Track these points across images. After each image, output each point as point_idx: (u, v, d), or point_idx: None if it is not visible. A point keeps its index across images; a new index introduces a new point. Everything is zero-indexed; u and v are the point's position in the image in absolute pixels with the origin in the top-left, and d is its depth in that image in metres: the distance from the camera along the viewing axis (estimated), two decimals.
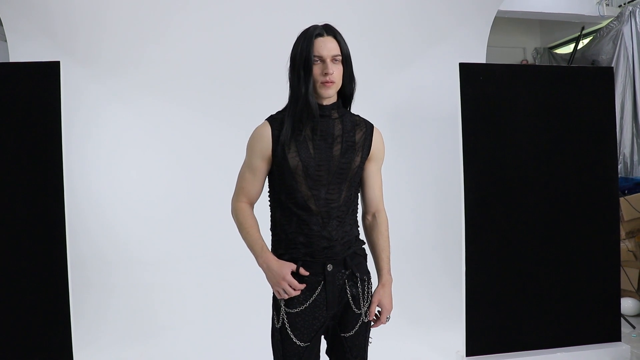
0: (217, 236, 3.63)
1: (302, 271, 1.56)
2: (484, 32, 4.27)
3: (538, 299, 3.00)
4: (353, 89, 1.64)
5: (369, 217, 1.73)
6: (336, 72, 1.55)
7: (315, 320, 1.59)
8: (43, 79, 2.59)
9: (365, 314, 1.65)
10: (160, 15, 3.68)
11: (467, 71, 2.92)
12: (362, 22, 3.96)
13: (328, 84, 1.54)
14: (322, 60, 1.54)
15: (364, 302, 1.64)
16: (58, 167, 2.58)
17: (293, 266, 1.55)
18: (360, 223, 1.74)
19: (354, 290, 1.62)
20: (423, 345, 3.30)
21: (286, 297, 1.56)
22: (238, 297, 3.48)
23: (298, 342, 1.58)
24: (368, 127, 1.67)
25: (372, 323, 1.69)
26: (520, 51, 6.06)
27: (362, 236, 1.73)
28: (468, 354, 2.91)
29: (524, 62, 5.87)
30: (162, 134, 3.81)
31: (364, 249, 1.71)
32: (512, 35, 5.85)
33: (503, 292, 2.97)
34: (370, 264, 1.71)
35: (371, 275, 1.70)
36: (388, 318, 1.67)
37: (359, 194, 1.72)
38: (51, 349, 2.58)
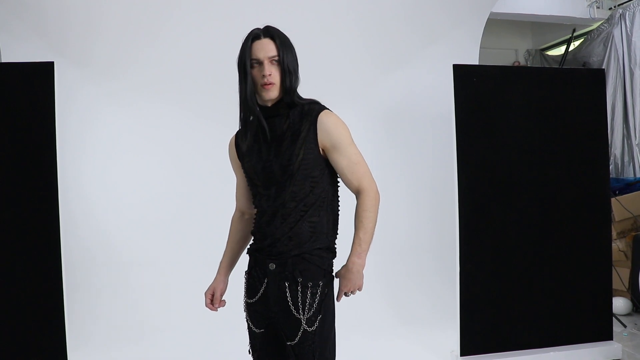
0: (210, 238, 3.59)
1: (217, 295, 1.81)
2: (477, 33, 4.30)
3: (531, 298, 3.02)
4: (292, 95, 1.58)
5: (356, 199, 1.65)
6: (275, 73, 1.55)
7: (266, 311, 1.62)
8: (37, 80, 2.57)
9: (307, 322, 1.55)
10: (155, 16, 3.66)
11: (461, 72, 2.94)
12: (357, 22, 3.98)
13: (267, 86, 1.55)
14: (260, 62, 1.55)
15: (304, 308, 1.55)
16: (52, 168, 2.57)
17: (215, 289, 1.80)
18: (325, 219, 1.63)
19: (293, 294, 1.56)
20: (417, 345, 3.31)
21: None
22: (231, 298, 3.47)
23: (254, 328, 1.68)
24: (314, 115, 1.57)
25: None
26: (512, 53, 6.10)
27: (331, 235, 1.63)
28: (462, 353, 2.92)
29: (516, 64, 5.91)
30: (156, 135, 3.80)
31: (322, 256, 1.59)
32: (504, 37, 5.89)
33: (497, 292, 2.99)
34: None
35: (326, 285, 1.58)
36: (347, 294, 1.61)
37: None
38: (46, 349, 2.57)
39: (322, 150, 1.58)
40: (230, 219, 1.83)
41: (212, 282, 1.80)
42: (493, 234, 3.00)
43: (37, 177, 2.58)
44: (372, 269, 3.84)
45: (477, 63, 4.26)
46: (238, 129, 1.70)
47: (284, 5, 3.68)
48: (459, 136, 2.94)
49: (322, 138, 1.56)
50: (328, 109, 1.62)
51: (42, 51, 3.39)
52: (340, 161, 1.58)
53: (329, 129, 1.56)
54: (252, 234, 1.68)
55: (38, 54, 3.24)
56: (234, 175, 1.80)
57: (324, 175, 1.59)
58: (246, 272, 1.71)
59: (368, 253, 1.61)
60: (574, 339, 3.06)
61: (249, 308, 1.68)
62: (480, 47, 4.34)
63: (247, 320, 1.71)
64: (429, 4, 4.08)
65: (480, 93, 2.99)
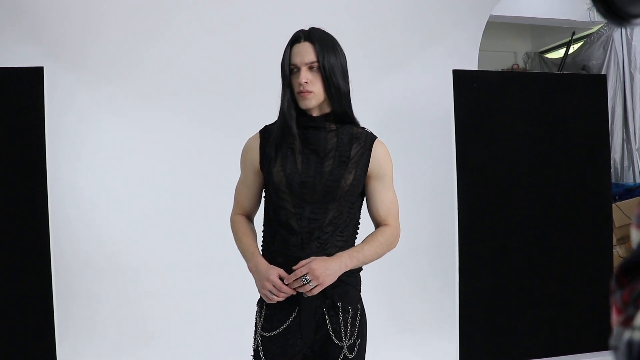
0: (207, 244, 3.58)
1: (284, 274, 1.42)
2: (477, 36, 4.28)
3: (532, 306, 2.99)
4: (342, 103, 1.47)
5: (374, 227, 1.61)
6: (314, 81, 1.42)
7: (288, 347, 1.47)
8: (26, 86, 2.51)
9: (349, 349, 1.48)
10: (153, 20, 3.61)
11: (461, 78, 2.91)
12: (357, 24, 3.94)
13: (303, 94, 1.42)
14: (297, 68, 1.43)
15: (345, 334, 1.47)
16: (41, 175, 2.51)
17: (280, 271, 1.42)
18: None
19: (334, 320, 1.47)
20: (416, 353, 3.27)
21: (273, 300, 1.43)
22: (228, 305, 3.43)
23: None
24: (368, 141, 1.51)
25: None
26: (511, 55, 6.08)
27: None
28: None
29: (515, 67, 5.88)
30: (152, 141, 3.73)
31: (356, 276, 1.56)
32: (504, 40, 5.87)
33: (497, 300, 2.95)
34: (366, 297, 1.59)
35: (362, 307, 1.56)
36: (305, 281, 1.39)
37: (360, 211, 1.59)
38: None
39: (367, 177, 1.52)
40: (232, 222, 1.61)
41: (268, 270, 1.43)
42: (493, 240, 2.96)
43: (26, 185, 2.52)
44: (369, 276, 3.80)
45: (476, 66, 4.24)
46: (262, 128, 1.55)
47: (283, 7, 3.65)
48: (459, 141, 2.91)
49: (374, 166, 1.51)
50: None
51: (35, 56, 3.32)
52: (381, 194, 1.54)
53: (381, 159, 1.53)
54: (273, 252, 1.48)
55: (30, 58, 3.18)
56: (232, 179, 1.69)
57: (358, 202, 1.55)
58: (263, 302, 1.51)
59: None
60: (575, 349, 3.02)
61: (266, 343, 1.48)
62: (479, 50, 4.31)
63: (259, 357, 1.50)
64: (428, 6, 4.06)
65: (480, 98, 2.96)
